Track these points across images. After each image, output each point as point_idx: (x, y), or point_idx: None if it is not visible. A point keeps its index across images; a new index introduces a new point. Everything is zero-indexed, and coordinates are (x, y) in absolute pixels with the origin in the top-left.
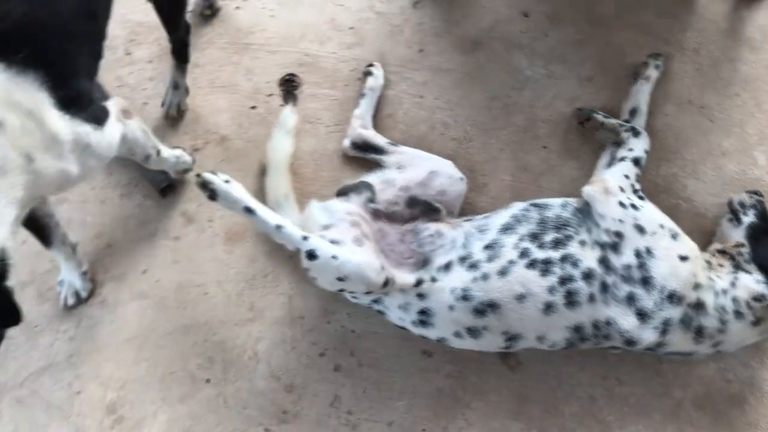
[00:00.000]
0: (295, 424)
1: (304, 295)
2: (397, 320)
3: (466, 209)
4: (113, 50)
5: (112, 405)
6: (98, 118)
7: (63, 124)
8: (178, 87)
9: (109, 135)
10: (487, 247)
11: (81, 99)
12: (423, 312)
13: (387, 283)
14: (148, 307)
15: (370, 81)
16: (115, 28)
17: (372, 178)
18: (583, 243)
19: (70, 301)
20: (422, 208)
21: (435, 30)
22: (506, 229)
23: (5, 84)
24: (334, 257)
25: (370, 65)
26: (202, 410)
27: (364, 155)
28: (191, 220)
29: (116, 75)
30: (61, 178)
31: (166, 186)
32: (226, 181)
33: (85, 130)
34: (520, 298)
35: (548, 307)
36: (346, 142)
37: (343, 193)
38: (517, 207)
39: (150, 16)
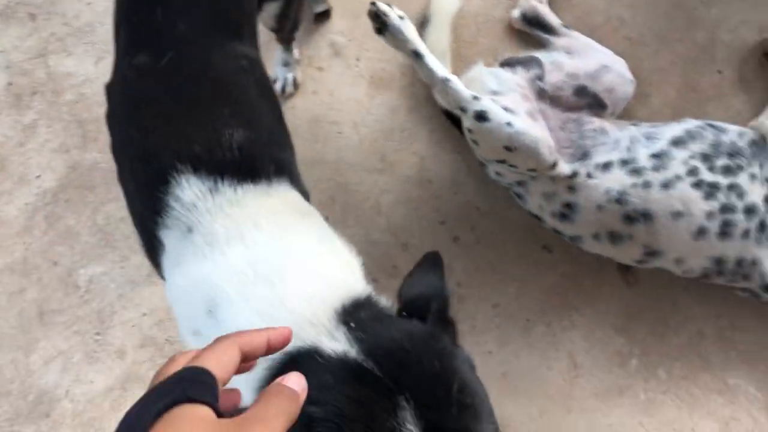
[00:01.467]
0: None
1: (437, 159)
2: (535, 207)
3: (624, 116)
4: None
5: None
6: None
7: None
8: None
9: None
10: (654, 156)
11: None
12: (568, 205)
13: (554, 164)
14: None
15: None
16: None
17: (540, 55)
18: (753, 177)
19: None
20: (589, 100)
21: None
22: (677, 142)
23: (280, 193)
24: (508, 124)
25: None
26: None
27: (531, 31)
28: (339, 53)
29: None
30: None
31: (322, 12)
32: (401, 17)
33: None
34: (677, 215)
35: (700, 232)
36: (516, 13)
37: (509, 64)
38: (691, 123)
39: None
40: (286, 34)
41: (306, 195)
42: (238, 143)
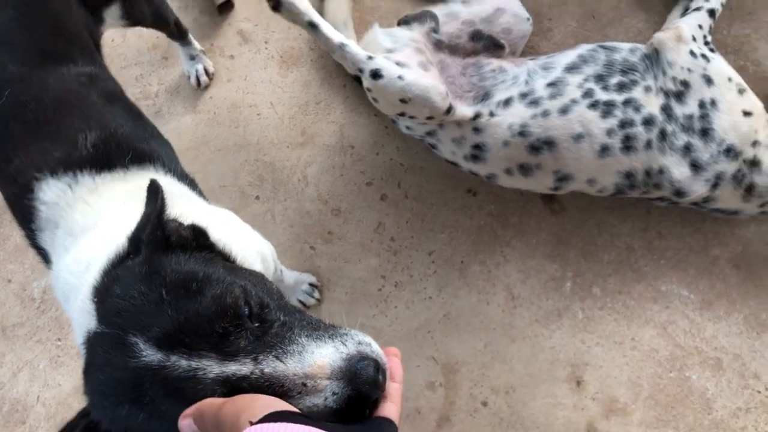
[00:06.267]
0: (339, 245)
1: (355, 125)
2: (448, 154)
3: (528, 52)
4: None
5: None
6: None
7: None
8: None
9: None
10: (551, 84)
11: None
12: (477, 146)
13: (449, 110)
14: (201, 122)
15: None
16: None
17: (435, 9)
18: (647, 89)
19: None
20: (486, 43)
21: None
22: (571, 68)
23: (138, 177)
24: (400, 77)
25: None
26: (249, 224)
27: None
28: (247, 39)
29: None
30: None
31: (225, 2)
32: None
33: None
34: (578, 137)
35: (604, 150)
36: None
37: (405, 22)
38: (584, 48)
39: None
40: (168, 30)
41: (185, 176)
42: (92, 142)
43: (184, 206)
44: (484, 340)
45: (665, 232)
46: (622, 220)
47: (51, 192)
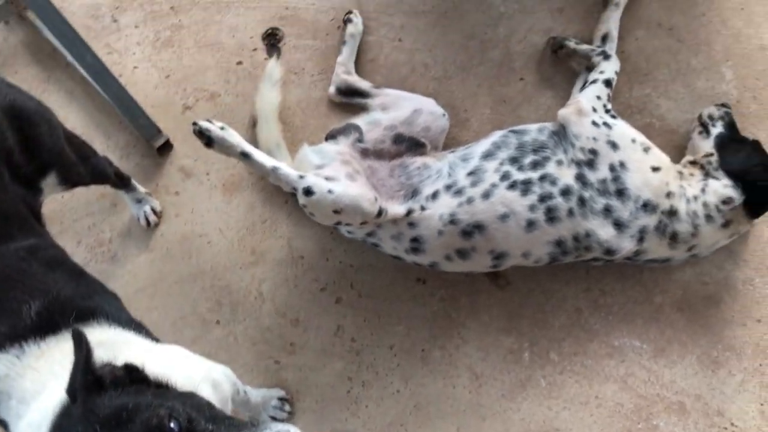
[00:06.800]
0: (302, 354)
1: (302, 236)
2: (391, 250)
3: (451, 143)
4: (99, 19)
5: None
6: None
7: None
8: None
9: None
10: (471, 173)
11: None
12: (415, 239)
13: (380, 213)
14: (155, 259)
15: (350, 28)
16: None
17: (358, 120)
18: (560, 162)
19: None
20: (408, 143)
21: None
22: (487, 155)
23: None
24: (330, 191)
25: (349, 12)
26: (213, 349)
27: (350, 100)
28: (189, 174)
29: (105, 42)
30: None
31: (163, 144)
32: (222, 128)
33: None
34: (504, 217)
35: (530, 224)
36: (332, 89)
37: (332, 136)
38: (497, 135)
39: None
40: (110, 182)
41: (130, 323)
42: (36, 311)
43: (126, 352)
44: (456, 424)
45: (607, 289)
46: (565, 284)
47: (1, 366)
